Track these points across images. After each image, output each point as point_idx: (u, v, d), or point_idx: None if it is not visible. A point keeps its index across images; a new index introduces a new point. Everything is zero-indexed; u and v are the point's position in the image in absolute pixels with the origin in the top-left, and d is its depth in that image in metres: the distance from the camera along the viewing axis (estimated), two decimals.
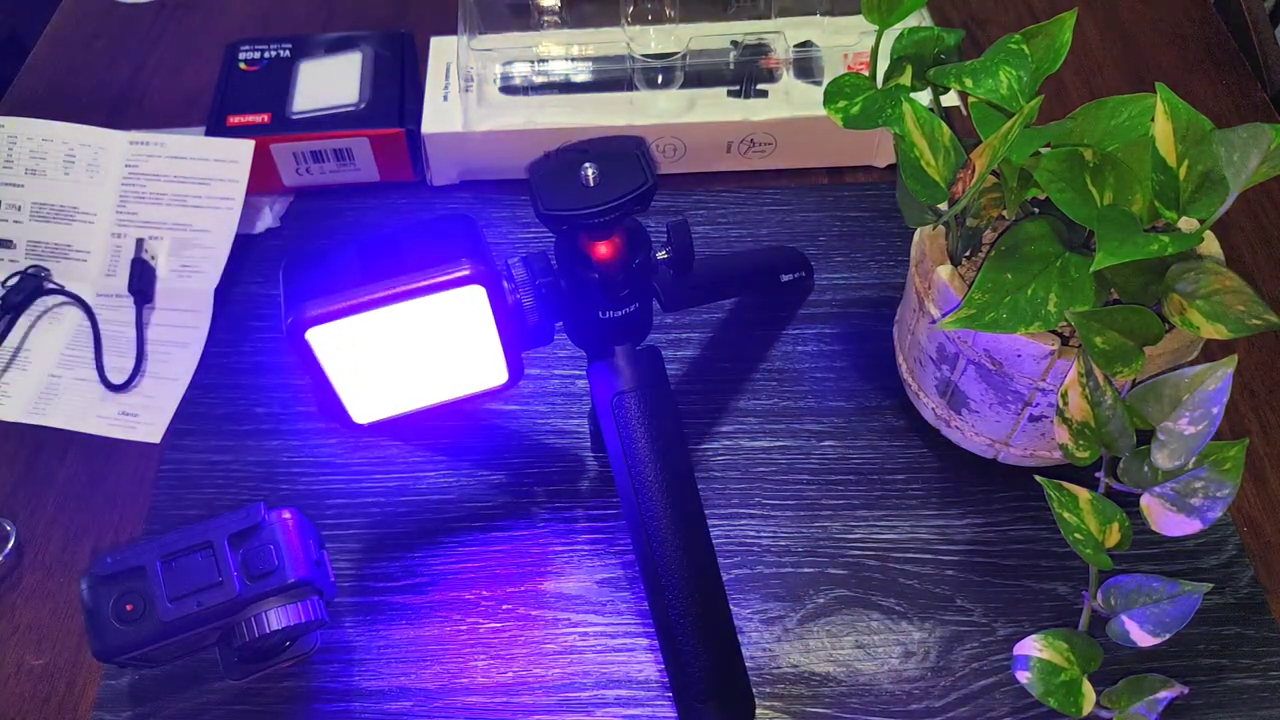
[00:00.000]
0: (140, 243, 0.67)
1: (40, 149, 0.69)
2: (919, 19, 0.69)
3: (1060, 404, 0.44)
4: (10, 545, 0.56)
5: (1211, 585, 0.43)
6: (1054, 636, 0.45)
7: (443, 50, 0.73)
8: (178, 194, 0.68)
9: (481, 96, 0.70)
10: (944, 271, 0.49)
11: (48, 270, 0.67)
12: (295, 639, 0.46)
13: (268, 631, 0.42)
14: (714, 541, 0.49)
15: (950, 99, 0.49)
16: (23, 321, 0.65)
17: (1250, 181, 0.38)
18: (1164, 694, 0.46)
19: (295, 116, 0.70)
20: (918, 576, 0.54)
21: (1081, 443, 0.44)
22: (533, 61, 0.71)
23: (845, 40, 0.71)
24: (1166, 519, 0.42)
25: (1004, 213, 0.49)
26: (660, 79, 0.69)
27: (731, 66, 0.71)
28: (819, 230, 0.69)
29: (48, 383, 0.63)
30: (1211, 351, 0.60)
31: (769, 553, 0.55)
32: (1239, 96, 0.77)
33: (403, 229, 0.48)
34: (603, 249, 0.47)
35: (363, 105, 0.70)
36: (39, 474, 0.60)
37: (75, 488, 0.59)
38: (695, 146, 0.70)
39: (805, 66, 0.71)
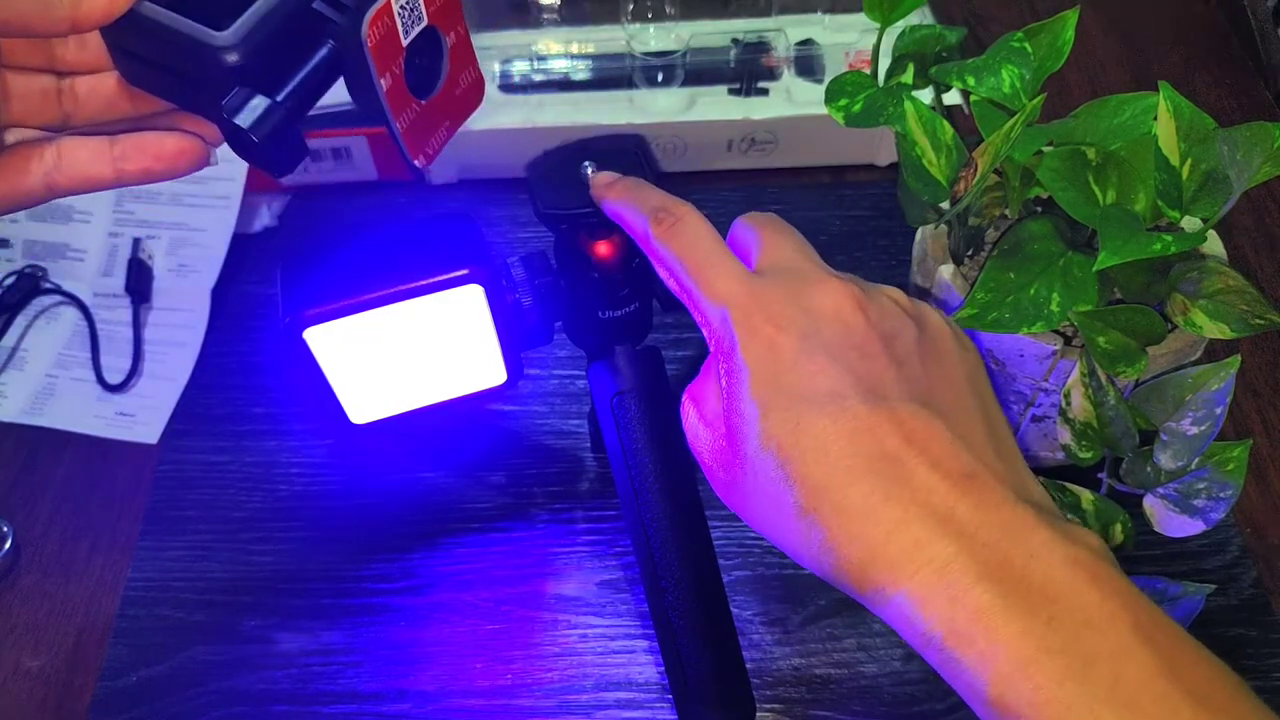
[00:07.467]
0: (137, 242, 0.67)
1: None
2: (920, 16, 0.69)
3: (1063, 404, 0.44)
4: (7, 546, 0.56)
5: (1214, 586, 0.43)
6: None
7: None
8: (175, 193, 0.67)
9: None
10: (946, 271, 0.49)
11: (44, 270, 0.67)
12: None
13: None
14: (714, 543, 0.49)
15: (952, 97, 0.49)
16: (19, 321, 0.65)
17: (1253, 181, 0.38)
18: None
19: None
20: None
21: (1084, 443, 0.44)
22: (532, 59, 0.71)
23: (846, 38, 0.71)
24: (1169, 520, 0.42)
25: (1006, 212, 0.49)
26: (660, 77, 0.69)
27: (732, 64, 0.70)
28: (820, 229, 0.69)
29: (44, 383, 0.63)
30: (1214, 351, 0.59)
31: (770, 554, 0.55)
32: (1242, 95, 0.76)
33: (401, 228, 0.48)
34: (602, 249, 0.46)
35: None
36: (35, 474, 0.59)
37: (72, 488, 0.59)
38: (695, 145, 0.70)
39: (806, 64, 0.70)
